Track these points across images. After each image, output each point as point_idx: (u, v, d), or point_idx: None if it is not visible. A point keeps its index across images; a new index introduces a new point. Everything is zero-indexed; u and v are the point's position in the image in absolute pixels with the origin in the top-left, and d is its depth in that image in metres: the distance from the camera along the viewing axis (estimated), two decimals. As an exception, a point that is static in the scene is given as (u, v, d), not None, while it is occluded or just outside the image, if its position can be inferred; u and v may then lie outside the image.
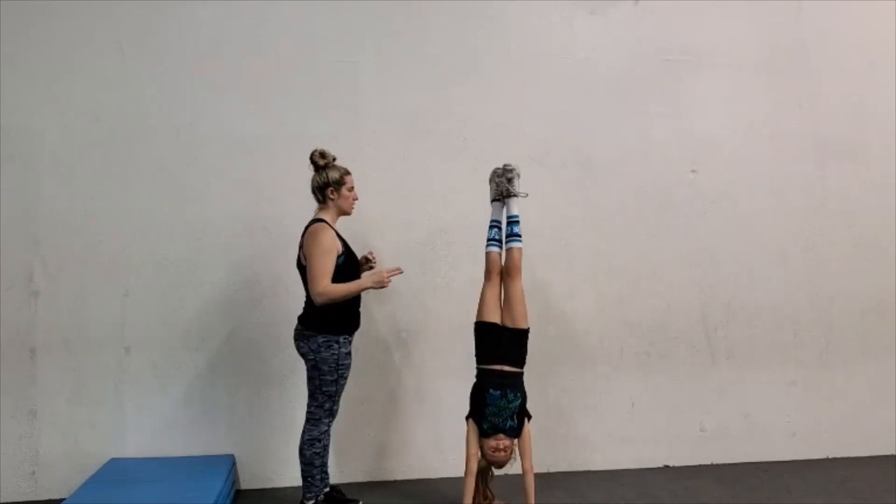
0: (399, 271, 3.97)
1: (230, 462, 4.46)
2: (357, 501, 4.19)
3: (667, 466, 4.95)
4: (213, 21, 4.58)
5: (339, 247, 3.89)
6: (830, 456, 5.10)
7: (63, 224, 4.43)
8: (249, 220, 4.58)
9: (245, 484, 4.57)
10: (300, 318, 4.01)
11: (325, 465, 4.04)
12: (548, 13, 4.88)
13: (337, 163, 3.99)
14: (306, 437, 3.95)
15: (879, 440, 5.14)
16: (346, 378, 3.97)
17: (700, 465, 4.95)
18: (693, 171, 5.03)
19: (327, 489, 4.13)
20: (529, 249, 4.82)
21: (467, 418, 3.91)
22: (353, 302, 3.97)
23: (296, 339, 4.00)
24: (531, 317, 4.82)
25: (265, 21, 4.61)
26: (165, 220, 4.52)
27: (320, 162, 3.95)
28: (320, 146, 4.62)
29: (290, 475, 4.57)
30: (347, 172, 3.99)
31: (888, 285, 5.19)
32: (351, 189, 3.98)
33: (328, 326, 3.88)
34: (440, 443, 4.71)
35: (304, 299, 4.01)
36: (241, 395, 4.58)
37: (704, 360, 5.03)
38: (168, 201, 4.53)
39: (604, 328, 4.92)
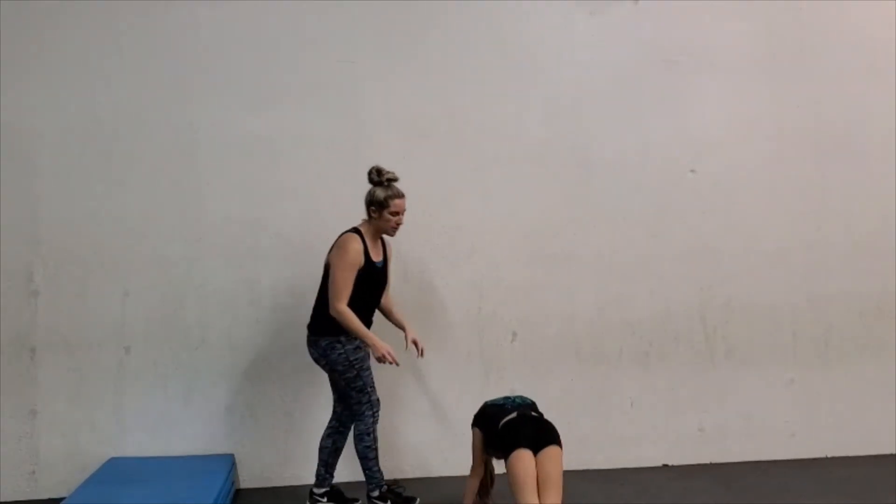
0: (395, 364, 3.95)
1: (230, 461, 4.47)
2: (357, 500, 4.20)
3: (666, 466, 4.95)
4: (213, 21, 4.57)
5: (360, 261, 3.90)
6: (829, 455, 5.10)
7: (63, 224, 4.43)
8: (249, 220, 4.58)
9: (245, 483, 4.58)
10: (308, 325, 4.05)
11: (377, 457, 4.09)
12: (548, 13, 4.88)
13: (390, 181, 3.96)
14: (355, 433, 4.02)
15: (878, 439, 5.14)
16: (368, 369, 3.99)
17: (699, 465, 4.95)
18: (692, 171, 5.03)
19: (384, 486, 4.14)
20: (530, 249, 4.84)
21: (473, 426, 3.88)
22: (366, 311, 3.98)
23: (307, 347, 4.05)
24: (531, 316, 4.85)
25: (265, 21, 4.61)
26: (165, 219, 4.52)
27: (374, 178, 3.96)
28: (320, 146, 4.66)
29: (289, 474, 4.59)
30: (397, 196, 3.94)
31: (887, 285, 5.19)
32: (395, 213, 3.95)
33: (329, 329, 3.91)
34: (440, 443, 4.71)
35: (313, 305, 4.04)
36: (240, 394, 4.59)
37: (704, 359, 5.03)
38: (168, 201, 4.52)
39: (603, 328, 4.93)
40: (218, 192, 4.57)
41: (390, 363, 3.93)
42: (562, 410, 4.72)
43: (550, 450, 3.53)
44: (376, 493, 4.04)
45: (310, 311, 4.43)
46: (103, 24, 4.48)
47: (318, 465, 4.16)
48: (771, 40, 5.10)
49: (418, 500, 4.18)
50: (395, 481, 4.33)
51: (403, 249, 4.66)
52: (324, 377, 4.55)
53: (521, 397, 3.89)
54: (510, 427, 3.64)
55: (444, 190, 4.77)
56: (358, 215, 4.61)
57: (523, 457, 3.48)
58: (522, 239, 4.83)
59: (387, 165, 4.65)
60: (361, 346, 3.97)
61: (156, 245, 4.51)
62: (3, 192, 4.38)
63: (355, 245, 3.89)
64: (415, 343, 4.17)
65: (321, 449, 4.17)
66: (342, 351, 3.91)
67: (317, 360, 4.02)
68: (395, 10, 4.72)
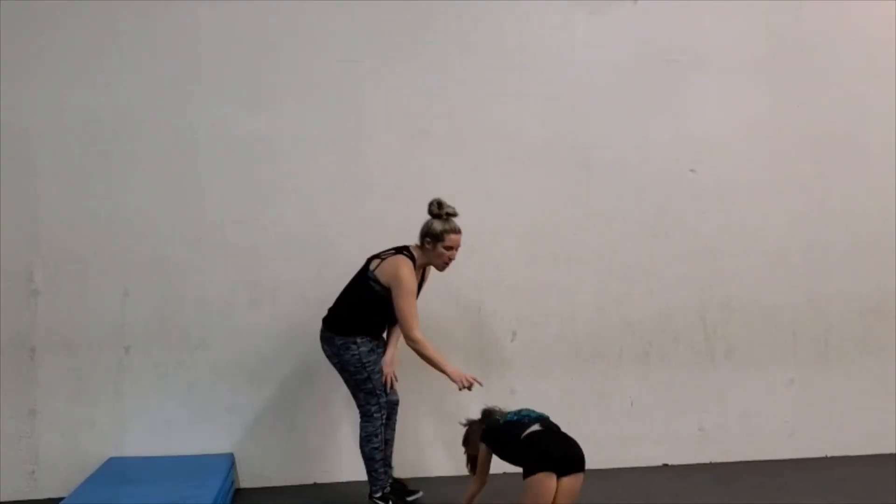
0: (479, 384, 3.86)
1: (229, 461, 4.46)
2: (418, 492, 4.22)
3: (666, 465, 4.96)
4: (213, 21, 4.56)
5: (416, 283, 3.94)
6: (829, 455, 5.11)
7: (63, 224, 4.42)
8: (249, 219, 4.58)
9: (244, 483, 4.57)
10: (324, 320, 4.05)
11: (387, 457, 4.09)
12: (548, 13, 4.88)
13: (449, 216, 3.96)
14: (363, 434, 4.00)
15: (878, 439, 5.15)
16: (379, 372, 3.99)
17: (699, 464, 4.96)
18: (692, 171, 5.03)
19: (391, 480, 4.16)
20: (530, 248, 4.84)
21: (480, 440, 3.75)
22: (378, 325, 4.01)
23: (321, 343, 4.06)
24: (531, 315, 4.85)
25: (265, 21, 4.60)
26: (165, 219, 4.51)
27: (434, 211, 3.97)
28: (320, 146, 4.65)
29: (289, 474, 4.59)
30: (454, 231, 3.94)
31: (887, 285, 5.20)
32: (449, 248, 3.94)
33: (346, 329, 3.94)
34: (440, 442, 4.71)
35: (334, 302, 4.04)
36: (240, 394, 4.58)
37: (703, 359, 5.03)
38: (168, 201, 4.52)
39: (603, 327, 4.93)
40: (218, 192, 4.56)
41: (468, 387, 3.83)
42: (562, 410, 4.70)
43: (575, 479, 3.35)
44: (378, 495, 4.04)
45: (310, 311, 4.44)
46: (103, 25, 4.47)
47: (377, 465, 4.09)
48: (771, 40, 5.10)
49: (421, 492, 4.20)
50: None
51: (403, 249, 4.66)
52: (323, 377, 4.56)
53: (530, 411, 3.70)
54: (536, 440, 3.45)
55: (443, 189, 4.72)
56: (358, 215, 4.64)
57: (547, 483, 3.29)
58: (522, 238, 4.83)
59: (387, 165, 4.70)
60: (375, 349, 3.99)
61: (156, 245, 4.50)
62: (3, 192, 4.38)
63: (407, 270, 3.87)
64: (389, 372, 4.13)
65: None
66: (356, 352, 3.92)
67: (329, 357, 4.03)
68: (395, 10, 4.71)
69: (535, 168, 4.85)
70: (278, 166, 4.60)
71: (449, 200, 4.71)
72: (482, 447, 3.76)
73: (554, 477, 3.31)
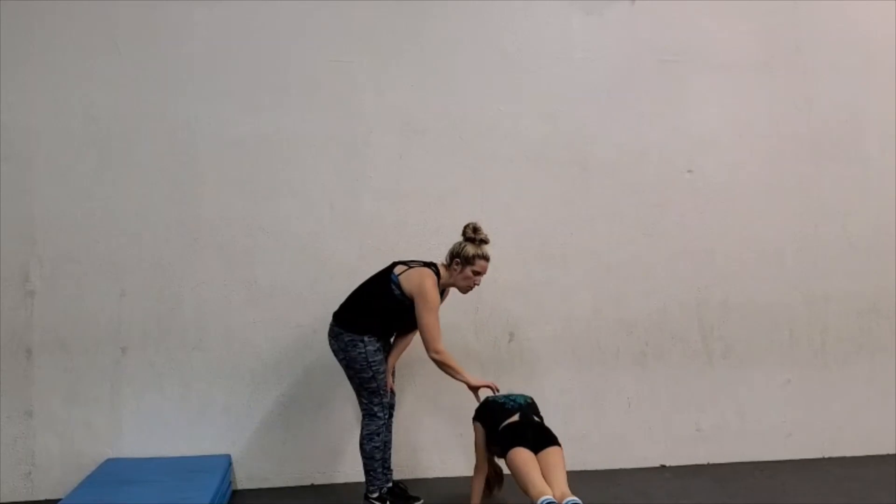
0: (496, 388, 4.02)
1: (226, 462, 4.45)
2: (419, 499, 4.21)
3: (663, 466, 4.95)
4: (210, 21, 4.57)
5: (439, 298, 3.96)
6: (826, 455, 5.11)
7: (59, 224, 4.42)
8: (246, 219, 4.57)
9: (242, 484, 4.56)
10: (334, 314, 4.05)
11: (386, 459, 4.09)
12: (544, 13, 4.88)
13: (482, 242, 3.98)
14: (364, 432, 3.99)
15: (875, 439, 5.15)
16: (383, 373, 3.99)
17: (696, 465, 4.95)
18: (689, 171, 5.04)
19: (390, 484, 4.16)
20: (527, 249, 4.84)
21: (474, 420, 3.89)
22: (388, 332, 4.04)
23: (328, 337, 4.06)
24: (528, 316, 4.85)
25: (263, 21, 4.60)
26: (162, 219, 4.51)
27: (469, 235, 3.98)
28: (317, 145, 4.65)
29: (286, 475, 4.58)
30: (484, 258, 3.97)
31: (884, 284, 5.20)
32: (477, 273, 3.97)
33: (355, 327, 3.93)
34: (440, 443, 4.71)
35: (347, 298, 4.05)
36: (237, 394, 4.57)
37: (700, 359, 5.03)
38: (165, 201, 4.51)
39: (600, 328, 4.93)
40: (215, 192, 4.56)
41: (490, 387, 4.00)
42: (559, 410, 4.74)
43: (551, 448, 3.54)
44: (375, 495, 4.04)
45: (307, 311, 4.45)
46: (101, 24, 4.47)
47: (376, 465, 4.12)
48: (768, 40, 5.11)
49: (422, 500, 4.19)
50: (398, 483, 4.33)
51: (400, 248, 4.65)
52: (320, 378, 4.56)
53: (522, 396, 3.88)
54: (510, 431, 3.63)
55: (440, 189, 4.77)
56: (355, 214, 4.63)
57: (521, 451, 3.49)
58: (519, 238, 4.83)
59: (384, 165, 4.70)
60: (381, 349, 3.99)
61: (152, 245, 4.50)
62: (1, 191, 4.37)
63: (431, 284, 3.90)
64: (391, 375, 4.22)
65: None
66: (363, 350, 3.92)
67: (335, 353, 4.02)
68: (392, 9, 4.72)
69: (532, 168, 4.85)
70: (275, 166, 4.60)
71: (445, 199, 4.75)
72: (476, 426, 3.86)
73: (528, 450, 3.50)
